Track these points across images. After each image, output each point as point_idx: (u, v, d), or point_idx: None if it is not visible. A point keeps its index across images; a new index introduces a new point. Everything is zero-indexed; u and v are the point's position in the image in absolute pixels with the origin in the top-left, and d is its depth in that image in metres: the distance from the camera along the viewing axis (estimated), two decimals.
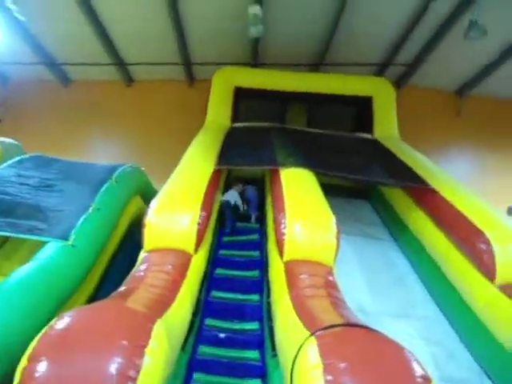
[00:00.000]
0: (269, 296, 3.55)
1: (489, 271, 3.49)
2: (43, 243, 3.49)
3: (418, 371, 1.89)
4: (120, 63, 8.46)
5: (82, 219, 3.74)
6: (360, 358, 1.90)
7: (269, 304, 3.48)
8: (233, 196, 5.49)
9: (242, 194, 5.70)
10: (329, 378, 1.80)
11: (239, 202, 5.50)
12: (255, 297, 4.00)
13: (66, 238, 3.48)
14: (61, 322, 1.85)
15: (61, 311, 2.96)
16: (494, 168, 8.51)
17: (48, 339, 1.79)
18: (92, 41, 7.57)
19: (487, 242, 3.55)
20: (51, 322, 1.87)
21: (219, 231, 5.08)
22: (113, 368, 1.68)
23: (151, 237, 3.51)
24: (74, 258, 3.40)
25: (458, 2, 6.31)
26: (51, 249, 3.36)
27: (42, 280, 3.00)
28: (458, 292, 3.82)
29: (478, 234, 3.68)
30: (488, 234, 3.60)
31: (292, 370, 2.11)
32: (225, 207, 5.23)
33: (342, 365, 1.84)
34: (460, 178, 5.32)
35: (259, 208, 5.55)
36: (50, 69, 8.63)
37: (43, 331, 1.83)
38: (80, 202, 4.04)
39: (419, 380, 1.84)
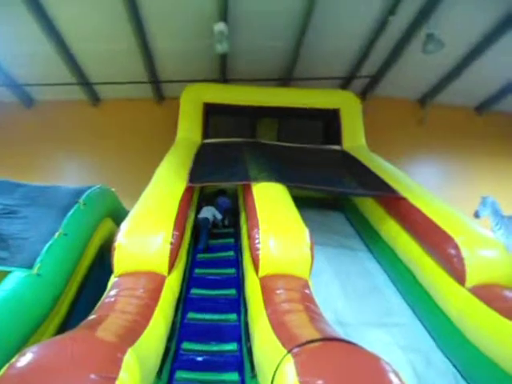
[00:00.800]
0: (246, 315, 3.50)
1: (459, 275, 3.57)
2: (6, 273, 3.31)
3: (396, 382, 1.88)
4: (85, 83, 8.32)
5: (47, 246, 3.58)
6: (337, 372, 1.88)
7: (246, 323, 3.42)
8: (210, 211, 5.46)
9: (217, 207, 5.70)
10: None
11: (218, 216, 5.50)
12: (233, 316, 3.93)
13: (30, 266, 3.30)
14: (23, 359, 1.74)
15: (28, 344, 2.80)
16: (458, 174, 8.83)
17: (8, 379, 1.67)
18: (55, 60, 7.39)
19: (456, 247, 3.65)
20: (12, 360, 1.75)
21: (194, 249, 5.01)
22: None
23: (121, 260, 3.40)
24: (39, 287, 3.22)
25: (416, 15, 6.58)
26: (15, 279, 3.19)
27: (6, 312, 2.83)
28: (432, 298, 3.89)
29: (447, 239, 3.78)
30: (456, 239, 3.70)
31: None
32: (202, 225, 5.19)
33: (319, 382, 1.81)
34: (427, 186, 5.47)
35: (233, 212, 5.65)
36: (11, 90, 8.38)
37: (3, 370, 1.71)
38: (45, 228, 3.86)
39: None
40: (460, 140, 8.83)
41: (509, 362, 2.92)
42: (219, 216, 5.57)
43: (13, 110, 8.76)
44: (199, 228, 5.22)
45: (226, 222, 5.73)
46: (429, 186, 6.51)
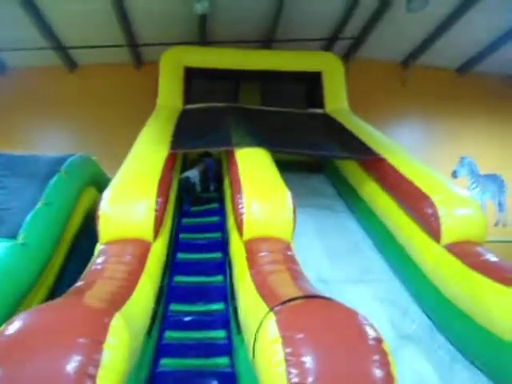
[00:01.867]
0: (231, 276, 3.61)
1: (435, 233, 3.72)
2: None
3: (372, 334, 2.01)
4: (59, 47, 7.96)
5: (30, 215, 3.57)
6: (316, 327, 1.99)
7: (231, 284, 3.54)
8: (193, 174, 5.50)
9: (203, 173, 5.71)
10: (288, 350, 1.89)
11: (197, 181, 5.50)
12: (219, 278, 4.06)
13: (13, 236, 3.32)
14: (11, 327, 1.79)
15: (16, 313, 2.86)
16: (440, 135, 8.94)
17: None
18: (26, 23, 7.03)
19: (432, 206, 3.78)
20: (1, 328, 1.80)
21: (178, 214, 5.07)
22: (70, 367, 1.66)
23: (106, 228, 3.43)
24: (24, 256, 3.24)
25: None
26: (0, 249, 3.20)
27: None
28: (409, 255, 4.06)
29: (424, 198, 3.90)
30: (433, 198, 3.82)
31: (254, 345, 2.18)
32: (183, 183, 5.26)
33: (300, 336, 1.92)
34: (408, 147, 5.56)
35: (217, 178, 5.69)
36: None
37: None
38: (27, 198, 3.83)
39: (372, 342, 1.96)
40: (442, 101, 8.87)
41: (480, 314, 3.10)
42: (197, 181, 5.51)
43: None
44: (181, 186, 5.28)
45: (212, 188, 5.78)
46: (411, 147, 6.63)
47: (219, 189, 5.53)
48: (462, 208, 3.81)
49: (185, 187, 5.30)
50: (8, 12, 6.77)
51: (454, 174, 7.01)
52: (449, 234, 3.67)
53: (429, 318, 3.78)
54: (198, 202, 5.42)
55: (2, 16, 6.94)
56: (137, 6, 7.09)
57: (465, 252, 3.51)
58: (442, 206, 3.75)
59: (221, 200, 5.22)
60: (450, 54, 8.61)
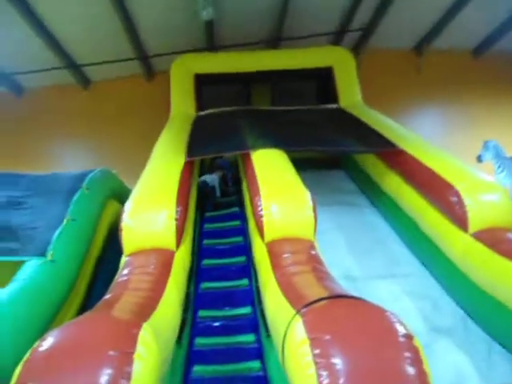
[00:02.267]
0: (256, 280, 3.61)
1: (462, 222, 3.62)
2: (21, 263, 3.42)
3: (401, 331, 1.96)
4: (72, 65, 8.17)
5: (57, 233, 3.67)
6: (344, 327, 1.96)
7: (257, 287, 3.54)
8: (211, 178, 5.64)
9: (221, 177, 5.88)
10: (316, 351, 1.87)
11: (216, 185, 5.64)
12: (244, 282, 4.06)
13: (43, 254, 3.41)
14: (44, 343, 1.84)
15: (50, 329, 2.94)
16: (459, 120, 8.70)
17: (32, 362, 1.77)
18: (39, 45, 7.24)
19: (457, 195, 3.67)
20: (34, 345, 1.85)
21: (200, 221, 5.11)
22: (103, 380, 1.69)
23: (129, 240, 3.48)
24: (55, 273, 3.34)
25: None
26: (30, 267, 3.30)
27: (26, 301, 2.95)
28: (437, 246, 3.97)
29: (448, 187, 3.80)
30: (457, 187, 3.72)
31: (283, 349, 2.17)
32: (201, 188, 5.41)
33: (328, 337, 1.90)
34: (427, 136, 5.45)
35: (235, 179, 5.79)
36: None
37: (27, 355, 1.81)
38: (53, 216, 3.94)
39: (402, 339, 1.91)
40: (458, 85, 8.62)
41: None
42: (216, 184, 5.68)
43: (3, 100, 8.68)
44: (203, 192, 5.43)
45: (232, 189, 5.86)
46: (430, 135, 6.49)
47: (238, 192, 5.56)
48: (487, 194, 3.69)
49: (204, 192, 5.36)
50: (21, 36, 6.99)
51: (479, 159, 6.77)
52: (476, 221, 3.56)
53: (462, 308, 3.68)
54: (218, 207, 5.47)
55: (15, 39, 7.16)
56: (144, 18, 7.22)
57: (494, 239, 3.41)
58: (466, 193, 3.65)
59: (240, 204, 5.23)
60: (464, 36, 8.37)
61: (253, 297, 3.79)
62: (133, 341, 1.88)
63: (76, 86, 8.72)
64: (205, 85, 7.18)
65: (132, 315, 2.20)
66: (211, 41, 7.98)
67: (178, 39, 7.78)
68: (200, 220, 5.13)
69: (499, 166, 6.66)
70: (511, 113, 8.68)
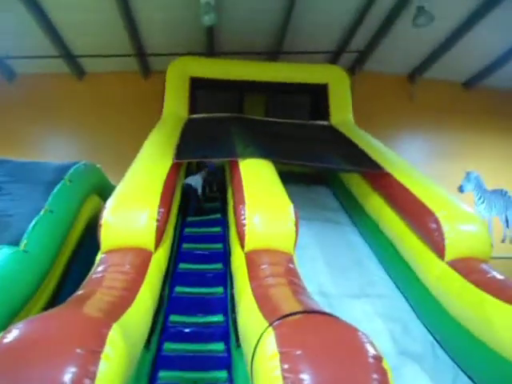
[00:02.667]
0: (232, 288, 3.58)
1: (439, 249, 3.68)
2: None
3: (371, 351, 1.97)
4: (68, 55, 8.08)
5: (33, 223, 3.59)
6: (315, 343, 1.96)
7: (232, 296, 3.51)
8: (195, 180, 5.65)
9: (205, 179, 5.91)
10: (285, 366, 1.85)
11: (199, 186, 5.66)
12: (219, 289, 4.03)
13: (16, 243, 3.32)
14: (9, 335, 1.78)
15: (16, 320, 2.85)
16: (446, 149, 8.92)
17: None
18: (36, 32, 7.16)
19: (437, 222, 3.74)
20: None
21: (181, 223, 5.07)
22: (66, 378, 1.64)
23: (108, 237, 3.43)
24: (26, 264, 3.25)
25: None
26: (1, 255, 3.20)
27: None
28: (413, 270, 4.02)
29: (428, 214, 3.87)
30: (437, 214, 3.79)
31: (252, 361, 2.15)
32: (185, 190, 5.38)
33: (298, 352, 1.89)
34: (412, 161, 5.55)
35: (219, 183, 5.93)
36: None
37: None
38: (31, 205, 3.86)
39: (371, 360, 1.92)
40: (447, 115, 8.88)
41: (484, 332, 3.05)
42: (199, 186, 5.67)
43: None
44: (186, 195, 5.39)
45: (215, 188, 6.00)
46: (416, 161, 6.62)
47: (222, 198, 5.54)
48: (466, 224, 3.77)
49: (187, 194, 5.33)
50: (18, 20, 6.90)
51: (461, 189, 6.96)
52: (453, 250, 3.63)
53: (431, 334, 3.72)
54: (200, 212, 5.44)
55: (11, 24, 7.06)
56: (145, 16, 7.22)
57: (469, 269, 3.47)
58: (446, 221, 3.71)
59: (224, 211, 5.21)
60: (457, 68, 8.65)
61: (226, 305, 3.76)
62: (101, 340, 1.84)
63: (70, 76, 8.64)
64: (199, 89, 7.19)
65: (103, 314, 2.15)
66: (211, 46, 8.02)
67: (178, 41, 7.80)
68: (181, 223, 5.08)
69: (480, 198, 6.84)
70: (495, 146, 8.95)
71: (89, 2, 6.79)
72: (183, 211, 5.30)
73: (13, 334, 1.81)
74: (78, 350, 1.76)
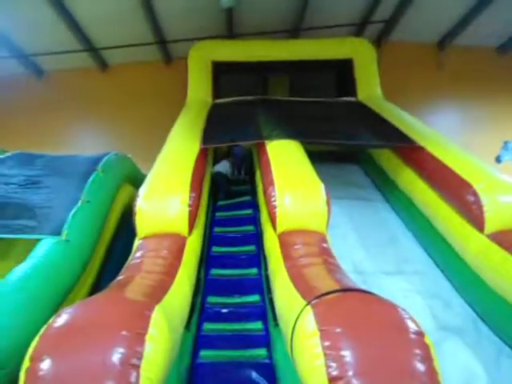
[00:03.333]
0: (266, 269, 3.61)
1: (478, 222, 3.56)
2: (37, 241, 3.48)
3: (412, 327, 1.95)
4: (91, 49, 8.20)
5: (72, 213, 3.72)
6: (354, 321, 1.96)
7: (267, 277, 3.54)
8: (224, 166, 5.81)
9: (233, 165, 6.11)
10: (326, 343, 1.87)
11: (229, 171, 5.86)
12: (254, 270, 4.08)
13: (58, 233, 3.46)
14: (59, 319, 1.88)
15: (62, 307, 3.00)
16: (480, 119, 8.52)
17: (48, 337, 1.82)
18: (59, 27, 7.30)
19: (474, 194, 3.61)
20: (50, 320, 1.89)
21: (212, 208, 5.13)
22: (115, 358, 1.72)
23: (143, 224, 3.52)
24: (69, 252, 3.39)
25: None
26: (45, 246, 3.35)
27: (40, 278, 3.00)
28: (450, 245, 3.92)
29: (465, 186, 3.73)
30: (475, 186, 3.65)
31: (292, 339, 2.18)
32: (215, 177, 5.53)
33: (338, 330, 1.90)
34: (445, 132, 5.34)
35: (247, 167, 6.01)
36: (20, 61, 8.35)
37: (42, 330, 1.86)
38: (68, 196, 3.99)
39: (413, 336, 1.90)
40: (482, 83, 8.42)
41: None
42: (229, 171, 5.90)
43: (24, 82, 8.78)
44: (216, 182, 5.55)
45: (243, 173, 6.05)
46: (449, 132, 6.37)
47: (251, 181, 5.56)
48: (506, 195, 3.61)
49: (217, 180, 5.38)
50: (40, 16, 7.03)
51: (498, 159, 6.65)
52: (493, 222, 3.50)
53: (473, 309, 3.64)
54: (230, 196, 5.49)
55: (35, 22, 7.20)
56: (164, 3, 7.18)
57: (511, 241, 3.34)
58: (484, 193, 3.58)
59: (253, 193, 5.23)
60: (488, 33, 8.15)
61: (262, 286, 3.81)
62: (145, 322, 1.91)
63: (94, 70, 8.78)
64: (222, 72, 7.14)
65: (144, 297, 2.23)
66: (230, 28, 7.92)
67: (197, 25, 7.74)
68: (212, 208, 5.15)
69: None
70: None
71: None
72: (214, 197, 5.36)
73: (62, 319, 1.91)
74: (124, 333, 1.83)
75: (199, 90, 6.82)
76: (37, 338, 1.84)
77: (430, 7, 7.37)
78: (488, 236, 3.49)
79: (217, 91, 6.92)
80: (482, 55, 8.59)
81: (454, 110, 8.74)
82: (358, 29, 8.18)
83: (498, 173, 3.94)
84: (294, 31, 8.04)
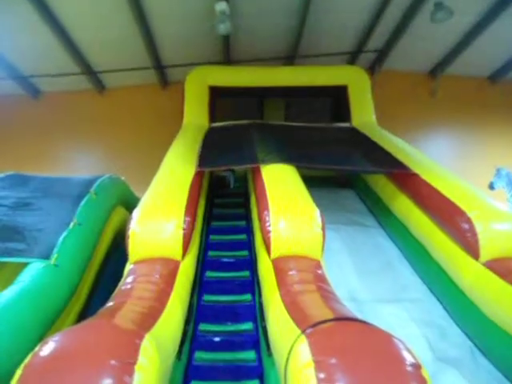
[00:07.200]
0: (260, 295, 3.55)
1: (473, 250, 3.54)
2: (25, 265, 3.40)
3: (409, 359, 1.89)
4: (89, 71, 8.30)
5: (62, 236, 3.65)
6: (350, 352, 1.90)
7: (261, 304, 3.47)
8: (228, 174, 6.63)
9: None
10: (321, 375, 1.80)
11: (231, 180, 6.62)
12: (247, 297, 3.99)
13: (47, 257, 3.39)
14: (45, 348, 1.80)
15: (49, 334, 2.90)
16: (472, 146, 8.66)
17: (33, 366, 1.74)
18: (58, 50, 7.40)
19: (469, 222, 3.60)
20: (35, 349, 1.82)
21: (206, 233, 5.08)
22: None
23: (136, 247, 3.45)
24: (57, 277, 3.30)
25: None
26: (33, 270, 3.26)
27: (26, 304, 2.90)
28: (446, 272, 3.88)
29: (459, 214, 3.73)
30: (469, 214, 3.65)
31: (285, 369, 2.11)
32: (222, 174, 6.48)
33: (333, 361, 1.84)
34: (440, 159, 5.39)
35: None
36: (17, 82, 8.41)
37: (27, 359, 1.78)
38: (59, 219, 3.93)
39: (410, 368, 1.84)
40: (473, 110, 8.62)
41: None
42: (232, 180, 6.67)
43: (20, 103, 8.82)
44: (220, 183, 6.41)
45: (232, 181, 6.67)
46: (442, 159, 6.44)
47: (246, 206, 5.54)
48: (500, 223, 3.61)
49: (219, 181, 6.28)
50: (40, 40, 7.14)
51: (491, 186, 6.71)
52: (488, 250, 3.48)
53: (470, 339, 3.57)
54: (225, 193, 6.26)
55: (34, 45, 7.31)
56: (162, 30, 7.35)
57: (507, 269, 3.32)
58: (479, 221, 3.57)
59: (248, 218, 5.20)
60: (481, 62, 8.40)
61: (255, 313, 3.73)
62: (135, 351, 1.84)
63: (92, 92, 8.85)
64: (218, 97, 7.23)
65: (134, 324, 2.15)
66: (227, 55, 8.08)
67: (195, 51, 7.89)
68: (206, 232, 5.09)
69: None
70: None
71: (107, 20, 6.97)
72: (208, 220, 5.33)
73: (49, 346, 1.84)
74: (113, 362, 1.76)
75: (195, 113, 6.88)
76: (21, 367, 1.76)
77: (422, 37, 7.59)
78: (484, 264, 3.47)
79: (213, 115, 6.99)
80: (473, 84, 8.81)
81: (447, 137, 8.88)
82: (353, 57, 8.38)
83: (492, 200, 3.95)
84: (290, 58, 8.22)
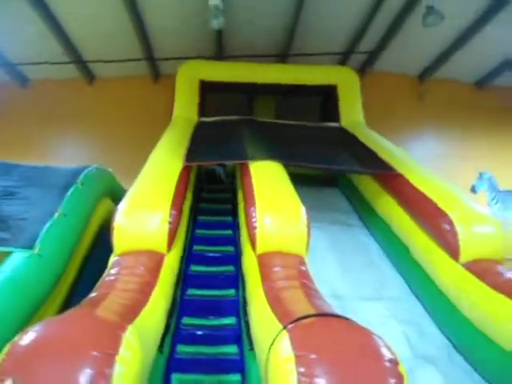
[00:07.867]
0: (244, 290, 3.58)
1: (453, 250, 3.63)
2: (8, 254, 3.36)
3: (387, 355, 1.95)
4: (79, 60, 8.18)
5: (47, 226, 3.61)
6: (330, 347, 1.94)
7: (244, 298, 3.50)
8: (217, 168, 6.76)
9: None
10: (301, 369, 1.84)
11: (221, 172, 6.75)
12: (231, 292, 4.02)
13: (30, 246, 3.35)
14: (25, 337, 1.80)
15: (31, 324, 2.88)
16: (457, 149, 8.81)
17: (12, 356, 1.74)
18: (48, 38, 7.27)
19: (450, 223, 3.69)
20: (15, 338, 1.81)
21: (192, 226, 5.08)
22: (82, 379, 1.65)
23: (121, 239, 3.45)
24: (40, 267, 3.28)
25: None
26: (16, 260, 3.24)
27: (8, 292, 2.89)
28: (426, 272, 3.97)
29: (441, 215, 3.82)
30: (451, 215, 3.74)
31: (267, 363, 2.14)
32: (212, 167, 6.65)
33: (313, 356, 1.88)
34: (425, 162, 5.48)
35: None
36: (4, 69, 8.24)
37: (6, 348, 1.77)
38: (44, 209, 3.89)
39: (388, 364, 1.90)
40: (459, 115, 8.77)
41: (500, 336, 3.00)
42: (222, 172, 6.80)
43: (8, 90, 8.64)
44: (210, 176, 6.60)
45: (222, 173, 6.77)
46: (427, 161, 6.55)
47: (232, 201, 5.55)
48: (480, 225, 3.72)
49: (210, 174, 6.41)
50: (30, 27, 7.00)
51: (473, 189, 6.85)
52: (467, 251, 3.58)
53: (447, 338, 3.66)
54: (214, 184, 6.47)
55: (23, 32, 7.17)
56: (155, 22, 7.28)
57: (485, 270, 3.42)
58: (459, 222, 3.67)
59: (234, 213, 5.21)
60: (468, 68, 8.54)
61: (238, 308, 3.75)
62: (117, 342, 1.85)
63: (81, 82, 8.72)
64: (209, 92, 7.21)
65: (117, 316, 2.16)
66: (220, 50, 8.04)
67: (187, 45, 7.83)
68: (192, 226, 5.10)
69: (493, 198, 6.73)
70: (510, 146, 8.81)
71: (100, 10, 6.87)
72: (195, 213, 5.33)
73: (29, 336, 1.83)
74: (94, 353, 1.77)
75: (186, 107, 6.86)
76: (0, 356, 1.75)
77: (412, 41, 7.67)
78: (463, 265, 3.56)
79: (203, 109, 6.97)
80: (460, 89, 8.97)
81: (433, 140, 9.02)
82: (343, 58, 8.43)
83: (473, 203, 4.05)
84: (281, 56, 8.23)
